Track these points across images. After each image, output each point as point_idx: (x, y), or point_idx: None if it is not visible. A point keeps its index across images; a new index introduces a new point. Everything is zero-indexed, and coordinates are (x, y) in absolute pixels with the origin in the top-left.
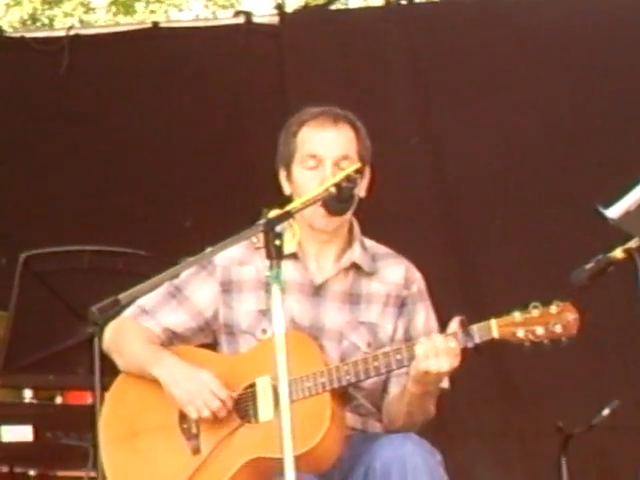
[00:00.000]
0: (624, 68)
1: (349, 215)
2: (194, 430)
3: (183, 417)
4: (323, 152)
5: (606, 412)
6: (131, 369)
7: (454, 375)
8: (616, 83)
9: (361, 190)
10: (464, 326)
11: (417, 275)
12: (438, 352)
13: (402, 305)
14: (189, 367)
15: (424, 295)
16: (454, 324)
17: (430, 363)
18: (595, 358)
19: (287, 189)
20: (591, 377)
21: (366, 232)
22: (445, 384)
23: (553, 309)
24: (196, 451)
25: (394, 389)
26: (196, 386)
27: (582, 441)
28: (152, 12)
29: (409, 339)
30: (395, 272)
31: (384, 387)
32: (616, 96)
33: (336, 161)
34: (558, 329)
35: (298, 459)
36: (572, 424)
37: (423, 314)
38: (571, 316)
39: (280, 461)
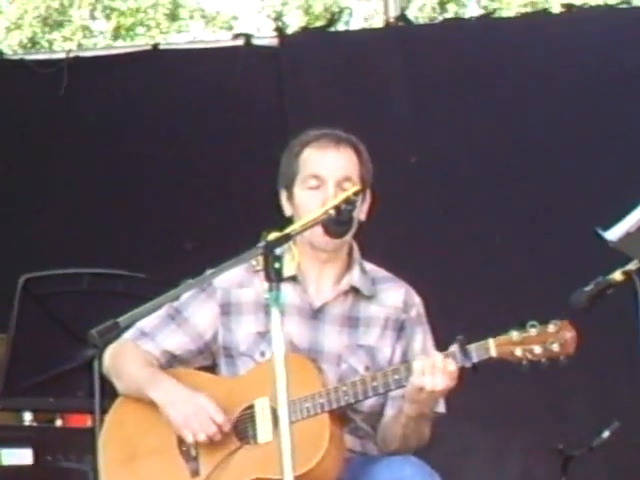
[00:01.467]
0: (625, 86)
1: (348, 238)
2: (193, 452)
3: (182, 439)
4: (325, 173)
5: (606, 434)
6: (129, 392)
7: (453, 396)
8: (616, 103)
9: (361, 213)
10: (462, 346)
11: (416, 299)
12: (435, 370)
13: (401, 329)
14: (186, 390)
15: (422, 319)
16: (453, 347)
17: (425, 380)
18: (595, 380)
19: (288, 210)
20: (591, 398)
21: (364, 253)
22: (441, 409)
23: (551, 328)
24: (195, 473)
25: (390, 412)
26: (193, 409)
27: (582, 462)
28: (152, 38)
29: (406, 362)
30: (394, 296)
31: (380, 409)
32: (616, 117)
33: (338, 182)
34: (556, 348)
35: None
36: (572, 446)
37: (421, 337)
38: (569, 334)
39: None
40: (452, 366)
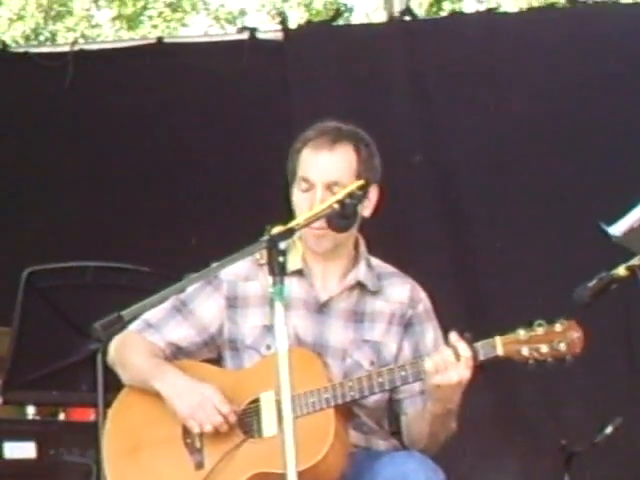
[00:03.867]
0: (627, 80)
1: (352, 232)
2: (198, 444)
3: (187, 431)
4: (314, 176)
5: (609, 430)
6: (134, 382)
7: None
8: (619, 97)
9: (365, 210)
10: (469, 343)
11: (422, 295)
12: (447, 364)
13: (408, 325)
14: (192, 381)
15: (430, 315)
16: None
17: (440, 377)
18: (598, 375)
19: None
20: (594, 394)
21: (370, 251)
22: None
23: (558, 327)
24: (199, 466)
25: (410, 410)
26: (198, 400)
27: (585, 459)
28: (154, 27)
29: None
30: (400, 291)
31: (399, 409)
32: (619, 110)
33: (326, 185)
34: (562, 347)
35: (301, 474)
36: (575, 442)
37: (432, 333)
38: (575, 334)
39: (283, 476)
40: (466, 352)
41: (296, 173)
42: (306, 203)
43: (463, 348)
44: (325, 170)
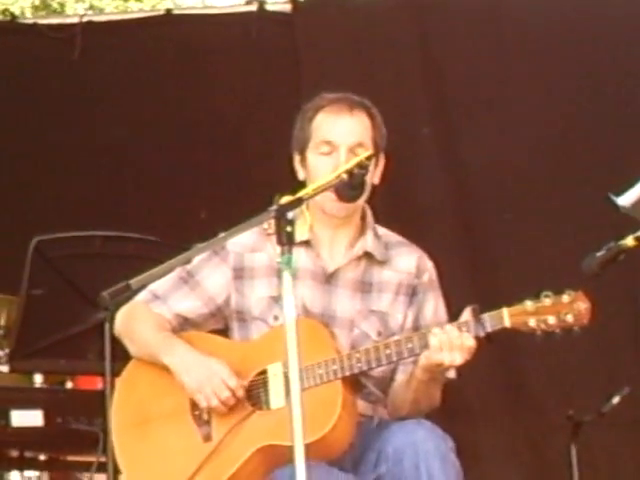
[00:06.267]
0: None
1: (361, 202)
2: (205, 417)
3: (194, 404)
4: (338, 139)
5: (616, 400)
6: (142, 355)
7: (462, 367)
8: (627, 75)
9: (374, 177)
10: (476, 315)
11: (429, 264)
12: (453, 346)
13: (413, 294)
14: (200, 355)
15: (435, 285)
16: (466, 313)
17: (444, 356)
18: (605, 346)
19: (301, 174)
20: (601, 365)
21: (377, 221)
22: (452, 374)
23: (565, 298)
24: (207, 438)
25: (400, 376)
26: (206, 374)
27: (592, 429)
28: None
29: (417, 328)
30: (407, 261)
31: (391, 374)
32: (629, 87)
33: (351, 148)
34: (570, 319)
35: (309, 446)
36: (582, 412)
37: (432, 303)
38: (583, 305)
39: (292, 449)
40: (470, 341)
41: (309, 139)
42: (329, 166)
43: (467, 337)
44: (349, 132)
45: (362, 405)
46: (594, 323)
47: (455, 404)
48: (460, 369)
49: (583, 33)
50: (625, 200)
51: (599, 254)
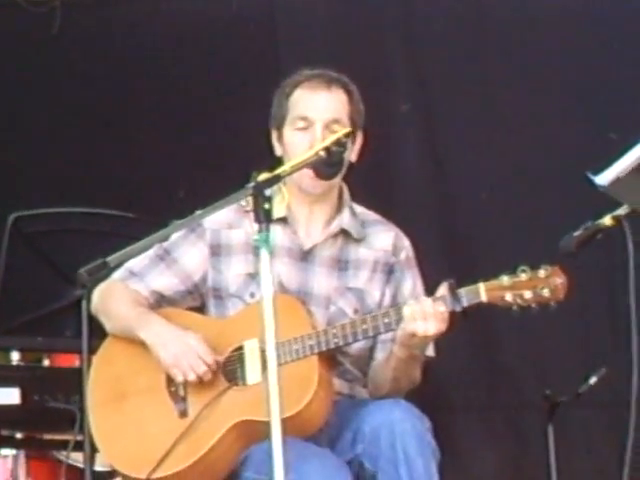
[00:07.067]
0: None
1: (338, 179)
2: (181, 393)
3: (170, 380)
4: (314, 114)
5: (593, 380)
6: (118, 331)
7: (439, 345)
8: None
9: (352, 154)
10: (452, 289)
11: (406, 242)
12: (426, 315)
13: (390, 272)
14: (176, 330)
15: (412, 263)
16: (443, 288)
17: (417, 325)
18: (582, 325)
19: (278, 151)
20: (579, 346)
21: (354, 198)
22: (431, 352)
23: (541, 273)
24: (183, 414)
25: (380, 355)
26: (183, 349)
27: (569, 409)
28: None
29: (396, 306)
30: (384, 239)
31: (370, 353)
32: (609, 56)
33: (327, 124)
34: (546, 293)
35: (285, 422)
36: (559, 393)
37: (410, 281)
38: (559, 280)
39: (267, 424)
40: (442, 307)
41: (286, 115)
42: (305, 142)
43: (440, 305)
44: (325, 108)
45: (339, 383)
46: (571, 303)
47: (431, 384)
48: (438, 347)
49: (580, 27)
50: (603, 179)
51: (576, 233)
